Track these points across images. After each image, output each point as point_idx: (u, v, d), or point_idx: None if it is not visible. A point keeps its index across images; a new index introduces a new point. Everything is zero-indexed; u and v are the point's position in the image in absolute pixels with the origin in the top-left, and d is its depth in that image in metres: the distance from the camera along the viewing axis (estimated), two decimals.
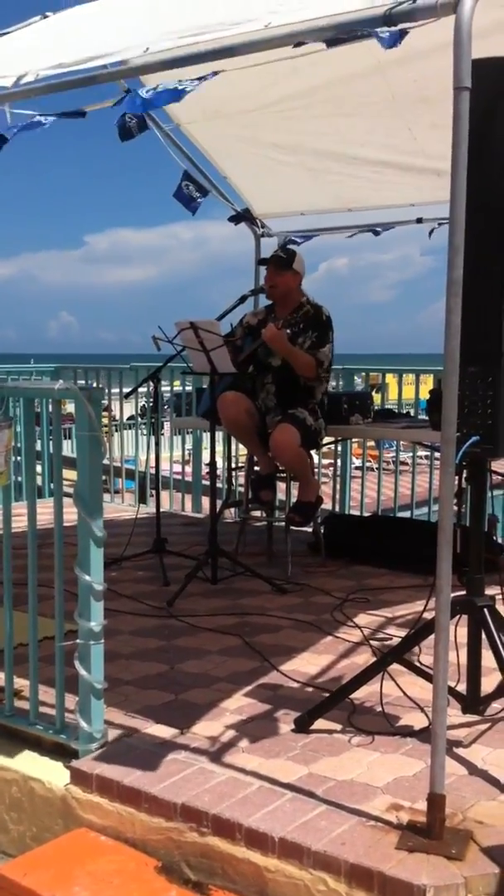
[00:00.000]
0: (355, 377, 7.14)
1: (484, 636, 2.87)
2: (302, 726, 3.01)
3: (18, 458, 6.79)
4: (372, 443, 8.00)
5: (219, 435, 5.44)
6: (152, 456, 5.82)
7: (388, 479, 7.28)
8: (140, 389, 5.89)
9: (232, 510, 6.28)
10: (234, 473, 6.24)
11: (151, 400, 5.90)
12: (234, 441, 5.86)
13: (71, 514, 2.81)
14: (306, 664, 3.64)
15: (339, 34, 2.36)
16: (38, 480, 7.32)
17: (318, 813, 2.48)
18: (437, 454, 5.56)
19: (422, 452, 6.92)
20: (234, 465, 6.26)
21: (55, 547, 2.91)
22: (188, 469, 7.67)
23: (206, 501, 6.79)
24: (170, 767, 2.76)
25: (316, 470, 5.89)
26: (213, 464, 4.84)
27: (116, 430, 8.64)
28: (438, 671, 2.37)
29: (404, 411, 7.07)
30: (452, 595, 2.42)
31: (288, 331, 4.89)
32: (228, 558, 4.92)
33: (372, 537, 5.49)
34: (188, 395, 7.25)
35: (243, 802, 2.54)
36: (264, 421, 5.15)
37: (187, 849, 2.53)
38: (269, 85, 4.12)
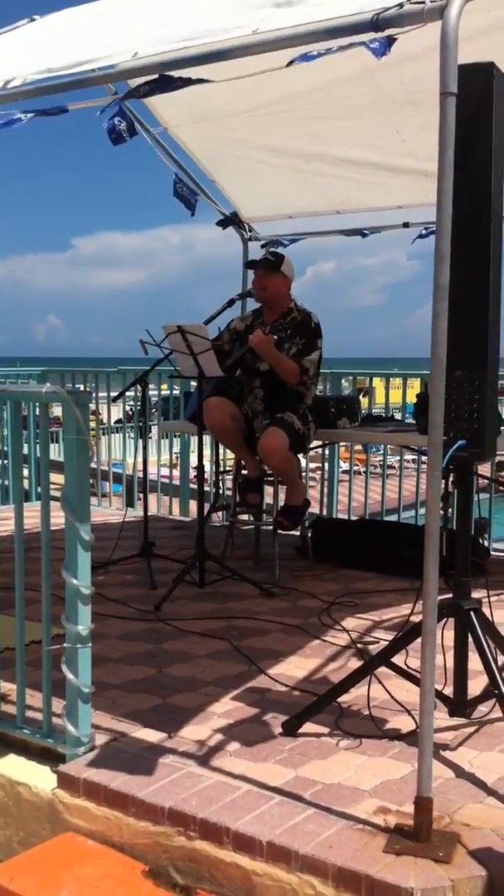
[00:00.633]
0: (342, 381, 7.16)
1: (471, 639, 2.88)
2: (289, 730, 3.01)
3: (5, 461, 6.81)
4: (359, 446, 8.02)
5: (206, 439, 5.44)
6: (140, 459, 5.82)
7: (376, 483, 7.29)
8: (128, 393, 5.88)
9: (219, 514, 6.28)
10: (221, 477, 6.25)
11: (139, 403, 5.90)
12: (221, 445, 5.86)
13: (58, 518, 2.80)
14: (294, 668, 3.64)
15: (330, 39, 2.37)
16: (25, 484, 7.29)
17: (305, 816, 2.48)
18: (424, 458, 5.58)
19: (409, 456, 6.96)
20: (221, 469, 6.26)
21: (42, 550, 2.90)
22: (176, 473, 7.67)
23: (193, 505, 6.78)
24: (157, 771, 2.75)
25: (303, 474, 5.89)
26: (200, 467, 4.83)
27: (104, 434, 8.64)
28: (425, 674, 2.37)
29: (391, 415, 7.09)
30: (439, 598, 2.42)
31: (275, 336, 4.89)
32: (216, 562, 4.92)
33: (359, 541, 5.50)
34: (176, 398, 7.25)
35: (231, 806, 2.54)
36: (251, 425, 5.15)
37: (175, 853, 2.53)
38: (256, 88, 4.13)
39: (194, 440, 5.24)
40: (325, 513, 6.66)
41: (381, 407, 7.56)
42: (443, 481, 2.63)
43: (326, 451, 6.66)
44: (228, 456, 6.04)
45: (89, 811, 2.70)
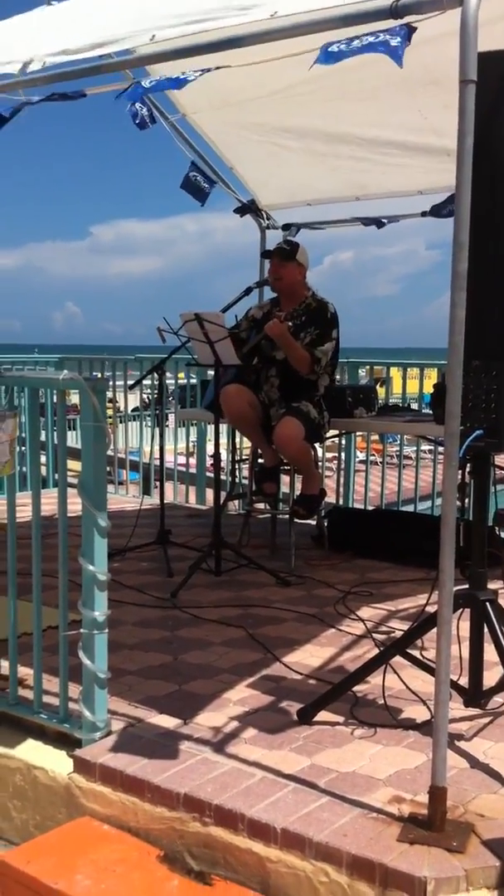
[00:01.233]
0: (359, 371, 7.14)
1: (486, 630, 2.88)
2: (304, 718, 3.02)
3: (23, 448, 6.83)
4: (376, 436, 8.00)
5: (223, 427, 5.44)
6: (157, 447, 5.82)
7: (392, 473, 7.27)
8: (145, 381, 5.89)
9: (236, 502, 6.29)
10: (238, 465, 6.25)
11: (156, 391, 5.90)
12: (238, 433, 5.86)
13: (75, 505, 2.81)
14: (309, 656, 3.65)
15: (348, 25, 2.35)
16: (43, 471, 7.33)
17: (320, 804, 2.49)
18: (440, 448, 5.56)
19: (425, 447, 6.92)
20: (238, 458, 6.26)
21: (59, 537, 2.91)
22: (192, 461, 7.67)
23: (210, 493, 6.80)
24: (173, 757, 2.77)
25: (319, 463, 5.89)
26: (217, 456, 4.83)
27: (121, 422, 8.65)
28: (441, 664, 2.37)
29: (408, 405, 7.07)
30: (455, 589, 2.42)
31: (290, 324, 4.89)
32: (232, 550, 4.93)
33: (375, 531, 5.50)
34: (193, 386, 7.24)
35: (246, 793, 2.55)
36: (268, 413, 5.15)
37: (190, 838, 2.54)
38: (276, 73, 4.11)
39: (211, 428, 5.24)
40: (341, 502, 6.65)
41: (398, 397, 7.54)
42: (459, 471, 2.62)
43: (343, 441, 6.65)
44: (245, 444, 6.04)
45: (105, 796, 2.72)
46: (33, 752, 2.97)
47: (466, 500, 2.91)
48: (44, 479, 7.22)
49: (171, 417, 8.12)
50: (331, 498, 6.33)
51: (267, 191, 6.29)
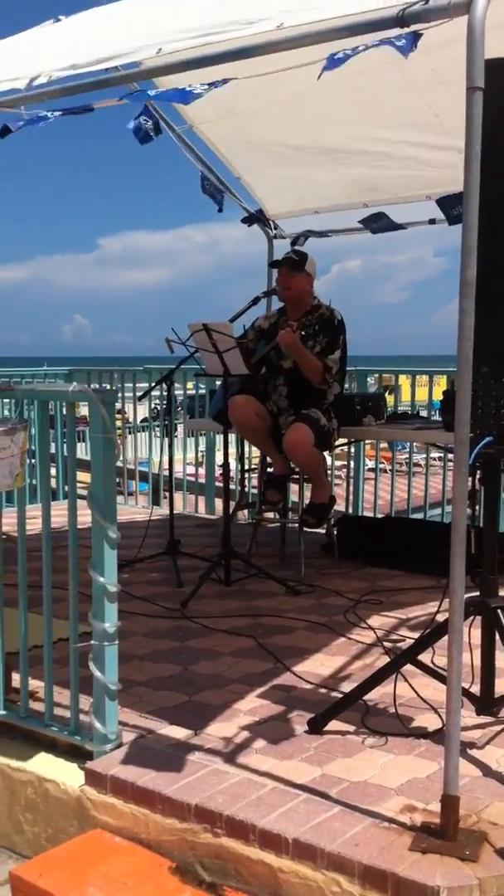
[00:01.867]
0: (368, 378, 7.14)
1: (498, 637, 2.87)
2: (315, 727, 3.01)
3: (33, 460, 6.85)
4: (385, 444, 7.99)
5: (232, 437, 5.44)
6: (166, 458, 5.83)
7: (402, 481, 7.26)
8: (153, 392, 5.90)
9: (245, 512, 6.29)
10: (247, 475, 6.25)
11: (165, 402, 5.91)
12: (247, 443, 5.86)
13: (85, 517, 2.82)
14: (319, 665, 3.64)
15: (354, 34, 2.36)
16: (53, 483, 7.35)
17: (331, 814, 2.48)
18: (450, 455, 5.55)
19: (435, 454, 6.90)
20: (247, 467, 6.27)
21: (69, 549, 2.92)
22: (201, 471, 7.68)
23: (219, 503, 6.80)
24: (184, 768, 2.76)
25: (329, 472, 5.88)
26: (226, 465, 4.83)
27: (130, 433, 8.66)
28: (452, 672, 2.36)
29: (417, 412, 7.06)
30: (466, 596, 2.41)
31: (302, 332, 4.91)
32: (242, 560, 4.93)
33: (385, 539, 5.49)
34: (201, 397, 7.25)
35: (257, 803, 2.54)
36: (276, 422, 5.16)
37: (201, 850, 2.53)
38: (282, 82, 4.11)
39: (220, 438, 5.24)
40: (350, 511, 6.64)
41: (407, 404, 7.53)
42: (469, 479, 2.62)
43: (352, 449, 6.64)
44: (254, 454, 6.04)
45: (116, 808, 2.72)
46: (45, 764, 2.97)
47: (477, 507, 2.91)
48: (54, 491, 7.23)
49: (180, 428, 8.13)
50: (340, 506, 6.31)
51: (274, 200, 6.31)
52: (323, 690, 3.37)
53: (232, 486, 6.21)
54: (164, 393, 5.59)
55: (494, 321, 2.54)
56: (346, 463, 7.06)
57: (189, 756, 2.84)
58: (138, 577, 4.98)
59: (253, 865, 2.44)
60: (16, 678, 3.19)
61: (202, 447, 7.64)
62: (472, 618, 2.80)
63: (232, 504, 5.52)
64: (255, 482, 5.90)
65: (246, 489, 6.21)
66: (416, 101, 4.73)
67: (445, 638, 2.42)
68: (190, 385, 7.94)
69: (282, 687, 3.42)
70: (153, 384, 5.70)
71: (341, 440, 5.70)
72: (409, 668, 2.98)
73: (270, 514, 5.56)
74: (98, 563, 2.81)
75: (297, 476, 5.36)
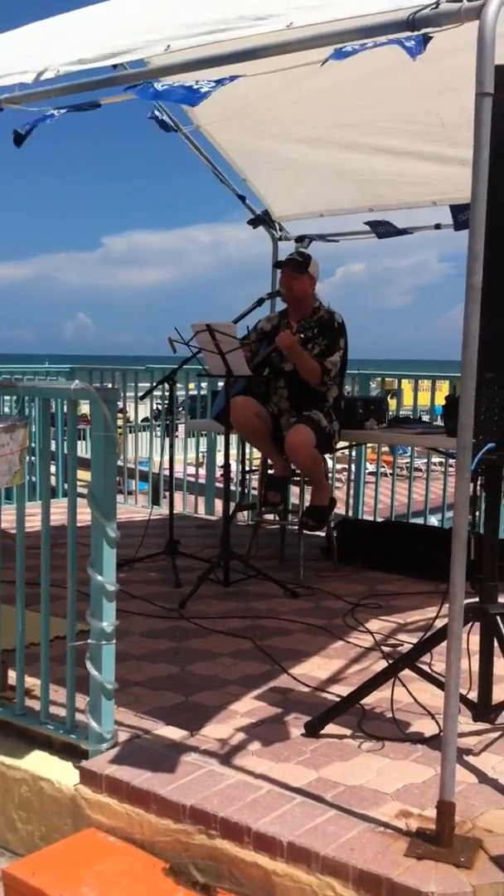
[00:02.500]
0: (371, 382, 7.14)
1: (496, 644, 2.86)
2: (312, 731, 3.00)
3: (33, 458, 6.84)
4: (386, 448, 7.99)
5: (233, 438, 5.43)
6: (166, 458, 5.82)
7: (402, 485, 7.26)
8: (155, 391, 5.89)
9: (245, 513, 6.28)
10: (247, 476, 6.25)
11: (166, 402, 5.91)
12: (247, 444, 5.86)
13: (84, 515, 2.81)
14: (317, 668, 3.63)
15: (364, 37, 2.35)
16: (53, 481, 7.34)
17: (326, 818, 2.47)
18: (451, 461, 5.54)
19: (436, 459, 6.89)
20: (247, 468, 6.27)
21: (68, 547, 2.91)
22: (202, 471, 7.68)
23: (219, 504, 6.79)
24: (179, 769, 2.75)
25: (329, 475, 5.88)
26: (226, 466, 4.83)
27: (131, 432, 8.66)
28: (450, 678, 2.35)
29: (419, 417, 7.06)
30: (465, 602, 2.40)
31: (301, 335, 4.90)
32: (241, 561, 4.92)
33: (385, 543, 5.48)
34: (203, 397, 7.25)
35: (252, 806, 2.53)
36: (277, 424, 5.15)
37: (195, 851, 2.53)
38: (290, 83, 4.10)
39: (221, 439, 5.24)
40: (350, 514, 6.64)
41: (409, 409, 7.52)
42: (471, 484, 2.61)
43: (353, 453, 6.64)
44: (255, 455, 6.04)
45: (111, 807, 2.71)
46: (39, 762, 2.96)
47: (477, 513, 2.90)
48: (53, 489, 7.22)
49: (181, 428, 8.14)
50: (340, 509, 6.31)
51: (280, 202, 6.30)
52: (320, 694, 3.37)
53: (232, 488, 6.20)
54: (166, 393, 5.58)
55: (500, 327, 2.54)
56: (346, 466, 7.06)
57: (185, 757, 2.83)
58: (137, 577, 4.98)
59: (247, 868, 2.43)
60: (12, 675, 3.18)
61: (203, 447, 7.64)
62: (471, 624, 2.80)
63: (232, 505, 5.52)
64: (255, 483, 5.89)
65: (246, 490, 6.21)
66: (424, 108, 4.72)
67: (444, 644, 2.42)
68: (192, 385, 7.94)
69: (279, 689, 3.42)
70: (155, 383, 5.69)
71: (342, 443, 5.69)
72: (406, 672, 2.98)
73: (270, 516, 5.55)
74: (97, 562, 2.80)
75: (298, 478, 5.35)
